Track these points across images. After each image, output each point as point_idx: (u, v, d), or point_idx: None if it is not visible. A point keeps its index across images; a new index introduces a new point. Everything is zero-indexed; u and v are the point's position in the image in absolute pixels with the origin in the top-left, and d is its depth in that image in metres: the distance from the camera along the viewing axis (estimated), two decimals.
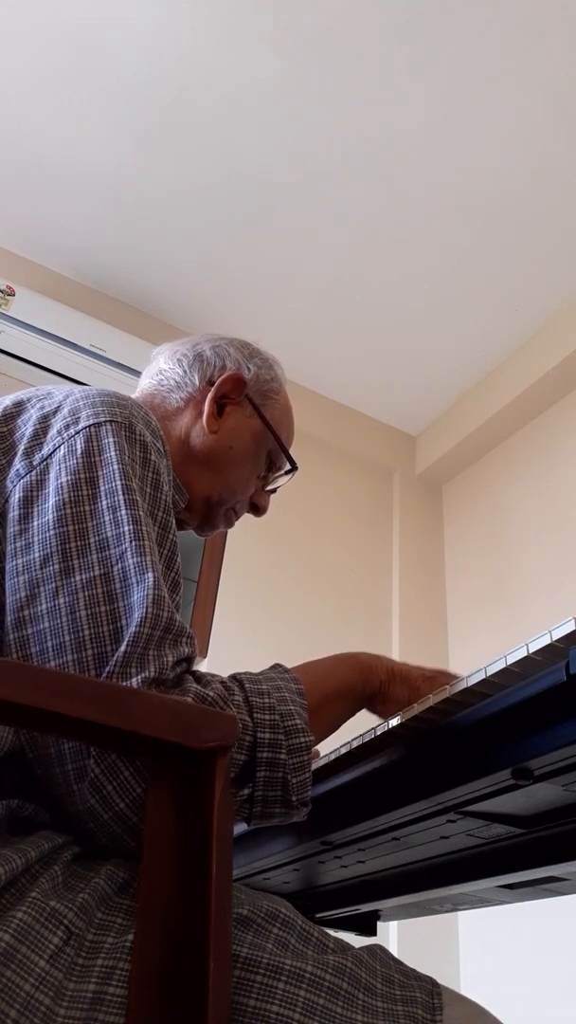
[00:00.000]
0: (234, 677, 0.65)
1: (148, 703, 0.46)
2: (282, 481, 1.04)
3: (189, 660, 0.62)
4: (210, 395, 0.94)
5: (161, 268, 2.56)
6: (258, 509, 1.02)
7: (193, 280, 2.59)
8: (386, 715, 0.76)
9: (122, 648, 0.57)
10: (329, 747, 0.98)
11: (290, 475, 1.03)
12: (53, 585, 0.61)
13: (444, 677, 0.79)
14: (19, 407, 0.74)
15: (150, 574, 0.60)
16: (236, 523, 1.03)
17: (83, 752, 0.55)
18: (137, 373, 2.36)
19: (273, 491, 1.04)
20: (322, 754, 0.82)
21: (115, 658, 0.57)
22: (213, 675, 0.65)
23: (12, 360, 2.27)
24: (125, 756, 0.55)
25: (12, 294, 2.32)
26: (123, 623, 0.59)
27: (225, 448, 0.94)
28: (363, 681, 0.77)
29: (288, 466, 1.01)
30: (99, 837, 0.56)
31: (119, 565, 0.61)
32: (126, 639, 0.57)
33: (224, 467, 0.94)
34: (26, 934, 0.46)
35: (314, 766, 0.76)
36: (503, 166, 2.15)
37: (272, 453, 0.99)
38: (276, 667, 0.70)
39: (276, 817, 0.63)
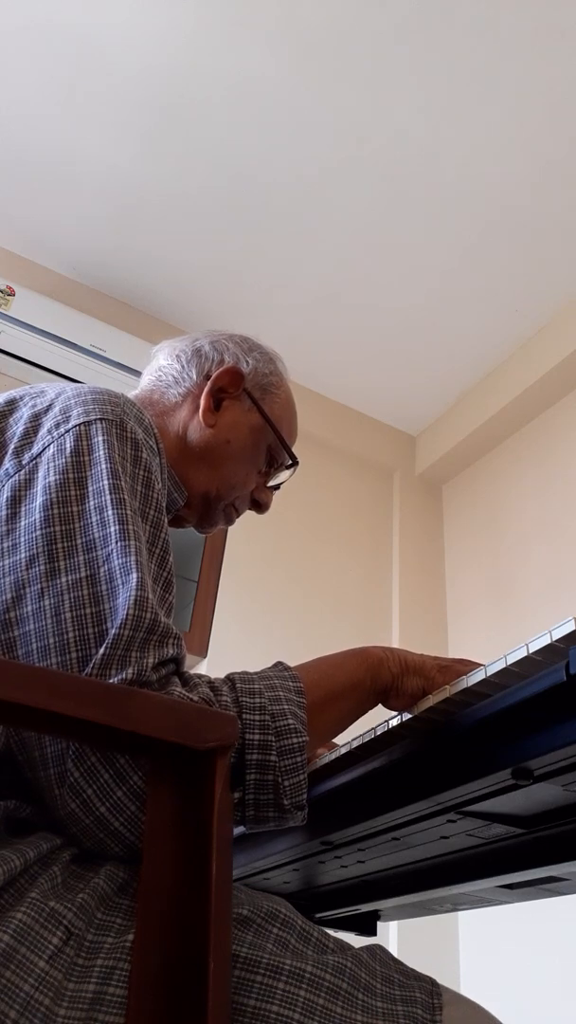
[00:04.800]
0: (227, 677, 0.64)
1: (148, 703, 0.46)
2: (283, 477, 1.02)
3: (176, 661, 0.60)
4: (206, 389, 0.93)
5: (161, 268, 2.56)
6: (260, 505, 1.00)
7: (193, 280, 2.59)
8: (401, 709, 0.74)
9: (101, 650, 0.56)
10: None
11: (291, 470, 1.01)
12: (39, 586, 0.60)
13: (460, 665, 0.75)
14: (11, 405, 0.73)
15: (134, 575, 0.59)
16: (236, 522, 1.02)
17: (63, 755, 0.54)
18: (137, 373, 2.36)
19: (276, 487, 1.03)
20: (332, 750, 0.80)
21: (94, 660, 0.56)
22: (202, 676, 0.63)
23: (12, 360, 2.27)
24: (107, 759, 0.54)
25: (12, 294, 2.32)
26: (107, 625, 0.58)
27: (222, 442, 0.93)
28: (373, 676, 0.73)
29: (289, 461, 0.99)
30: (83, 842, 0.56)
31: (105, 567, 0.60)
32: (106, 641, 0.57)
33: (222, 462, 0.93)
34: (25, 935, 0.46)
35: (321, 762, 0.76)
36: (503, 166, 2.15)
37: (272, 448, 0.97)
38: (277, 665, 0.69)
39: (271, 821, 0.62)
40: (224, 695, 0.61)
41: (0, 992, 0.43)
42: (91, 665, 0.56)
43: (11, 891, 0.49)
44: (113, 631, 0.57)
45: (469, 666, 0.74)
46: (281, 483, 1.03)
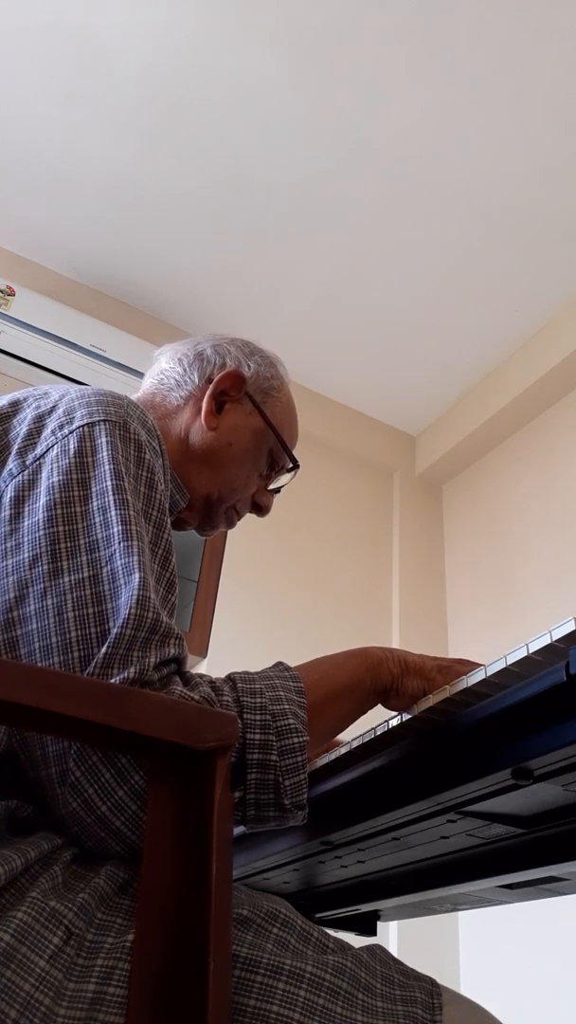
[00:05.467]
0: (228, 677, 0.64)
1: (148, 703, 0.46)
2: (284, 480, 1.02)
3: (178, 661, 0.61)
4: (208, 392, 0.94)
5: (161, 268, 2.56)
6: (261, 508, 1.01)
7: (193, 280, 2.59)
8: (401, 709, 0.74)
9: (103, 649, 0.56)
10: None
11: (292, 474, 1.02)
12: (42, 586, 0.60)
13: (460, 666, 0.76)
14: (15, 407, 0.74)
15: (137, 575, 0.59)
16: (237, 523, 1.02)
17: (64, 755, 0.54)
18: (137, 373, 2.37)
19: (276, 491, 1.03)
20: (330, 752, 0.80)
21: (96, 660, 0.56)
22: (204, 676, 0.64)
23: (12, 360, 2.27)
24: (108, 758, 0.54)
25: (12, 294, 2.32)
26: (109, 625, 0.58)
27: (224, 445, 0.93)
28: (373, 676, 0.74)
29: (290, 464, 1.00)
30: (84, 841, 0.56)
31: (108, 567, 0.60)
32: (108, 640, 0.57)
33: (223, 464, 0.93)
34: (26, 934, 0.46)
35: (321, 763, 0.76)
36: (503, 166, 2.15)
37: (274, 451, 0.97)
38: (277, 665, 0.69)
39: (272, 821, 0.62)
40: (225, 695, 0.61)
41: (0, 992, 0.43)
42: (93, 664, 0.56)
43: (12, 890, 0.49)
44: (115, 630, 0.57)
45: (469, 666, 0.75)
46: (282, 486, 1.03)
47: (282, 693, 0.64)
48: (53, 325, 2.35)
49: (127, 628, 0.57)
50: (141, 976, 0.42)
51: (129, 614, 0.57)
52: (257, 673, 0.66)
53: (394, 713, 0.72)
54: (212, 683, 0.63)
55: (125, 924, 0.51)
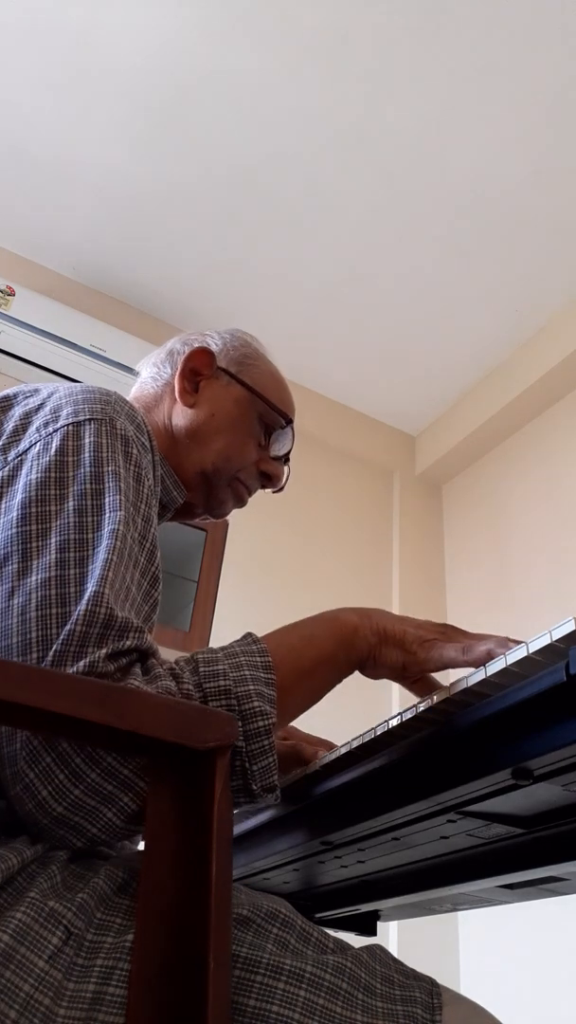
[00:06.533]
0: (191, 658, 0.62)
1: (145, 702, 0.46)
2: (285, 442, 1.00)
3: (140, 652, 0.59)
4: (179, 370, 0.95)
5: (161, 268, 2.56)
6: (270, 478, 0.99)
7: (193, 280, 2.59)
8: (377, 678, 0.73)
9: (55, 647, 0.56)
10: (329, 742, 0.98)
11: (290, 432, 0.99)
12: (9, 585, 0.59)
13: (444, 638, 0.71)
14: (6, 403, 0.74)
15: (99, 571, 0.59)
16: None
17: (16, 756, 0.53)
18: (137, 373, 2.36)
19: (284, 460, 1.01)
20: (332, 750, 0.79)
21: (47, 659, 0.55)
22: (165, 664, 0.61)
23: (12, 360, 2.27)
24: (62, 759, 0.53)
25: (12, 294, 2.32)
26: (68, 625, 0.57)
27: (206, 417, 0.94)
28: (347, 649, 0.71)
29: (283, 422, 0.98)
30: (47, 839, 0.55)
31: (77, 569, 0.60)
32: (61, 638, 0.56)
33: (210, 436, 0.93)
34: (25, 934, 0.46)
35: (321, 763, 0.76)
36: (503, 166, 2.15)
37: (264, 417, 0.96)
38: (246, 638, 0.67)
39: (242, 804, 0.61)
40: (185, 681, 0.59)
41: (0, 992, 0.43)
42: (45, 663, 0.55)
43: (9, 890, 0.49)
44: (68, 627, 0.56)
45: (456, 637, 0.72)
46: (287, 453, 1.01)
47: (247, 672, 0.61)
48: (53, 325, 2.35)
49: (78, 625, 0.56)
50: (141, 976, 0.42)
51: (82, 611, 0.57)
52: (222, 650, 0.64)
53: (394, 712, 0.71)
54: (172, 670, 0.60)
55: (125, 924, 0.51)
